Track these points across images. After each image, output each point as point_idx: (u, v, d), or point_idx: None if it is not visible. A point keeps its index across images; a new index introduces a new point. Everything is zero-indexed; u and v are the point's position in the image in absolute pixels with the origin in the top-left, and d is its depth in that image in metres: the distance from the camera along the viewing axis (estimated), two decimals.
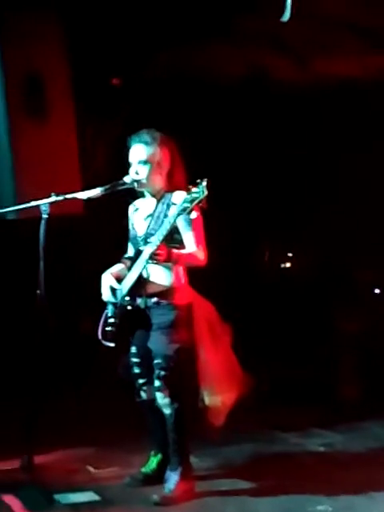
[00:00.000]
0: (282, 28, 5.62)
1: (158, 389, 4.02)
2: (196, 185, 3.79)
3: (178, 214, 3.87)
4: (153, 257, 3.90)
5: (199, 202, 3.78)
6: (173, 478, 4.04)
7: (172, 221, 3.90)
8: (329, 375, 5.91)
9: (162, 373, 4.00)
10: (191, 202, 3.80)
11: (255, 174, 6.85)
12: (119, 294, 4.10)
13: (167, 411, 4.02)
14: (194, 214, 3.95)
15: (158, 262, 3.93)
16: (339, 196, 6.76)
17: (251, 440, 4.81)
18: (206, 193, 3.77)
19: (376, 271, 6.74)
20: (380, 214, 6.59)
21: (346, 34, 6.04)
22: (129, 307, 4.03)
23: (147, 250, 3.93)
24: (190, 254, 4.01)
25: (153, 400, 4.09)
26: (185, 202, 3.83)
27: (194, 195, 3.80)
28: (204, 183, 3.78)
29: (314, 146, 6.80)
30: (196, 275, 4.14)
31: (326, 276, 6.86)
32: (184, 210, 3.83)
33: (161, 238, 3.90)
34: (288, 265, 7.31)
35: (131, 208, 4.29)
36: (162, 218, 4.03)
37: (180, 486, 4.01)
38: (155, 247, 3.89)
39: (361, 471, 4.29)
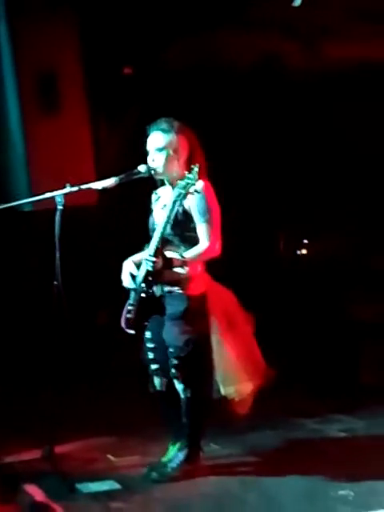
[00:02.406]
0: (293, 14, 5.61)
1: (174, 376, 4.06)
2: (191, 171, 3.86)
3: (174, 201, 3.92)
4: (149, 264, 3.92)
5: (191, 187, 3.85)
6: (177, 458, 4.11)
7: (169, 208, 3.92)
8: (348, 361, 5.89)
9: (175, 362, 4.03)
10: (185, 187, 3.88)
11: (270, 160, 6.82)
12: (137, 281, 4.11)
13: (182, 396, 4.06)
14: (207, 205, 3.94)
15: (155, 269, 3.92)
16: (354, 181, 6.73)
17: (272, 427, 4.81)
18: (197, 178, 3.85)
19: None
20: None
21: (356, 19, 5.99)
22: (143, 294, 4.03)
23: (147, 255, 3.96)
24: (197, 254, 4.00)
25: (167, 389, 4.12)
26: (179, 188, 3.89)
27: (188, 181, 3.87)
28: (196, 169, 3.86)
29: (328, 131, 6.77)
30: (211, 263, 4.13)
31: (342, 262, 6.83)
32: (179, 196, 3.89)
33: (156, 241, 3.92)
34: (304, 251, 7.29)
35: (153, 197, 4.30)
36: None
37: (183, 466, 4.06)
38: (150, 256, 3.91)
39: (382, 456, 4.28)
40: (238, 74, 6.47)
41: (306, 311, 6.58)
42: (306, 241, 7.26)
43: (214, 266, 4.15)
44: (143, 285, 4.03)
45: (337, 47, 6.36)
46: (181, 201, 3.97)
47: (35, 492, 3.91)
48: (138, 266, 4.11)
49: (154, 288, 4.04)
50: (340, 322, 6.38)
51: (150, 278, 4.00)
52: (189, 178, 3.89)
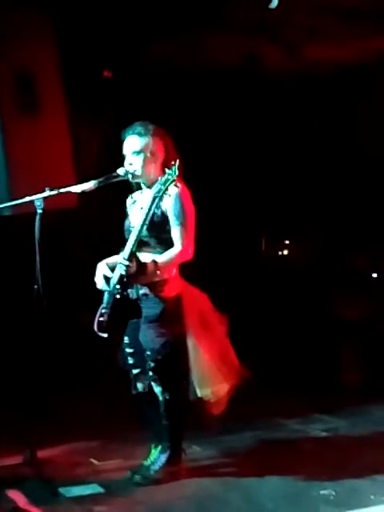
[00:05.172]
0: (271, 15, 5.62)
1: (152, 378, 4.08)
2: (170, 167, 3.88)
3: (154, 198, 3.94)
4: (123, 268, 3.92)
5: (172, 183, 3.87)
6: (160, 460, 4.11)
7: (147, 207, 3.94)
8: (329, 361, 5.92)
9: (152, 364, 4.04)
10: (164, 184, 3.91)
11: (250, 162, 6.84)
12: (111, 284, 4.09)
13: (160, 399, 4.07)
14: (183, 208, 3.96)
15: (128, 273, 3.93)
16: (335, 182, 6.76)
17: (253, 428, 4.82)
18: (177, 173, 3.87)
19: (373, 256, 6.74)
20: (377, 198, 6.59)
21: (333, 19, 6.02)
22: (118, 296, 4.02)
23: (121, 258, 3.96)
24: (170, 258, 4.00)
25: (148, 392, 4.12)
26: (159, 184, 3.92)
27: (167, 177, 3.90)
28: (176, 164, 3.88)
29: (308, 133, 6.80)
30: (191, 265, 4.13)
31: (323, 262, 6.86)
32: (159, 191, 3.92)
33: (131, 244, 3.93)
34: (285, 252, 7.32)
35: (129, 201, 4.31)
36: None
37: (165, 468, 4.07)
38: (124, 260, 3.91)
39: (363, 455, 4.31)
40: (217, 76, 6.48)
41: (287, 311, 6.61)
42: (287, 241, 7.29)
43: (193, 268, 4.16)
44: (117, 287, 4.02)
45: (314, 47, 6.39)
46: (160, 198, 3.97)
47: (17, 497, 3.89)
48: (112, 268, 4.11)
49: (129, 291, 4.04)
50: (321, 321, 6.41)
51: (125, 281, 3.99)
52: (169, 174, 3.91)
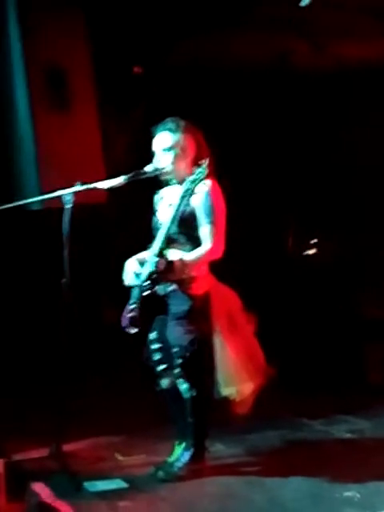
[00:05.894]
0: (301, 13, 5.60)
1: (178, 375, 4.08)
2: (200, 166, 3.89)
3: (183, 197, 3.94)
4: (153, 265, 3.93)
5: (200, 182, 3.88)
6: (183, 457, 4.13)
7: (176, 205, 3.94)
8: (355, 361, 5.89)
9: (179, 361, 4.04)
10: (193, 182, 3.91)
11: (279, 159, 6.81)
12: (141, 280, 4.10)
13: (186, 396, 4.08)
14: (213, 206, 3.94)
15: (157, 270, 3.94)
16: (364, 179, 6.71)
17: (277, 427, 4.81)
18: (206, 172, 3.87)
19: None
20: None
21: (364, 17, 5.97)
22: (146, 293, 4.03)
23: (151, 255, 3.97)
24: (199, 256, 4.00)
25: (173, 388, 4.13)
26: (187, 182, 3.91)
27: (196, 176, 3.90)
28: (205, 163, 3.87)
29: (337, 129, 6.75)
30: (218, 263, 4.13)
31: (350, 261, 6.82)
32: (187, 191, 3.91)
33: (161, 241, 3.94)
34: (312, 251, 7.28)
35: (157, 196, 4.31)
36: None
37: (188, 465, 4.09)
38: (154, 257, 3.93)
39: None
40: (248, 73, 6.46)
41: (313, 311, 6.57)
42: (314, 240, 7.25)
43: (220, 266, 4.16)
44: (146, 284, 4.03)
45: (347, 46, 6.35)
46: (189, 197, 3.98)
47: (42, 490, 3.92)
48: (142, 264, 4.12)
49: (158, 287, 4.05)
50: (347, 321, 6.37)
51: (154, 277, 4.00)
52: (198, 173, 3.91)
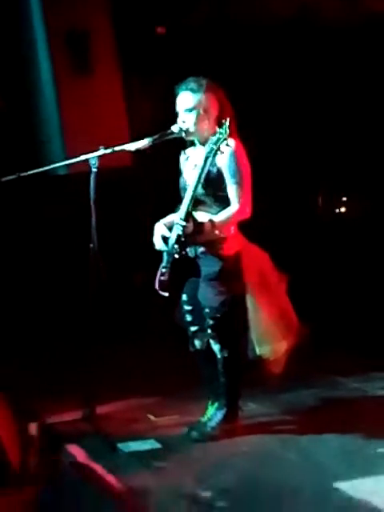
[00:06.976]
0: None
1: (210, 336, 4.09)
2: (221, 126, 3.83)
3: (206, 157, 3.90)
4: (180, 228, 3.91)
5: (223, 142, 3.82)
6: (216, 417, 4.13)
7: (201, 167, 3.90)
8: None
9: (211, 322, 4.04)
10: (216, 143, 3.86)
11: (306, 116, 6.70)
12: (169, 244, 4.10)
13: (219, 356, 4.08)
14: (238, 166, 3.89)
15: (186, 233, 3.91)
16: None
17: (311, 386, 4.79)
18: (228, 131, 3.83)
19: None
20: None
21: None
22: (176, 256, 4.02)
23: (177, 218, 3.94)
24: (227, 217, 3.97)
25: (206, 349, 4.13)
26: (210, 143, 3.87)
27: (219, 136, 3.85)
28: (227, 123, 3.83)
29: (366, 85, 6.62)
30: (247, 223, 4.09)
31: (381, 219, 6.73)
32: (211, 151, 3.87)
33: (187, 204, 3.91)
34: (343, 209, 7.20)
35: (182, 157, 4.27)
36: None
37: (222, 425, 4.09)
38: (181, 220, 3.90)
39: None
40: (271, 28, 6.34)
41: (346, 269, 6.52)
42: (344, 198, 7.16)
43: (250, 226, 4.12)
44: (176, 247, 4.02)
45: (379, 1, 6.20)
46: (213, 157, 3.93)
47: (77, 452, 3.97)
48: (170, 228, 4.10)
49: (188, 249, 4.03)
50: (381, 279, 6.31)
51: (182, 240, 3.98)
52: (220, 133, 3.87)
